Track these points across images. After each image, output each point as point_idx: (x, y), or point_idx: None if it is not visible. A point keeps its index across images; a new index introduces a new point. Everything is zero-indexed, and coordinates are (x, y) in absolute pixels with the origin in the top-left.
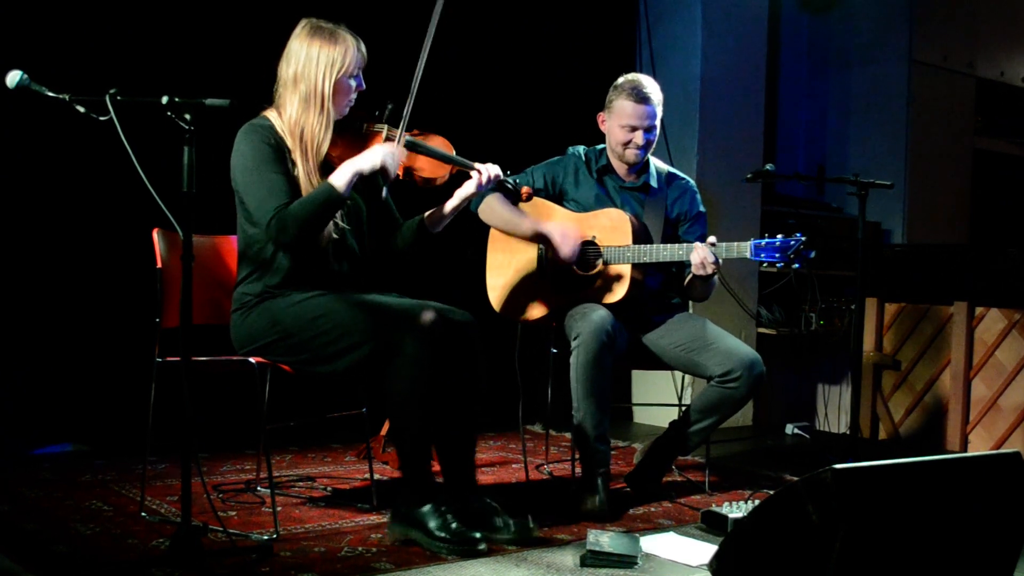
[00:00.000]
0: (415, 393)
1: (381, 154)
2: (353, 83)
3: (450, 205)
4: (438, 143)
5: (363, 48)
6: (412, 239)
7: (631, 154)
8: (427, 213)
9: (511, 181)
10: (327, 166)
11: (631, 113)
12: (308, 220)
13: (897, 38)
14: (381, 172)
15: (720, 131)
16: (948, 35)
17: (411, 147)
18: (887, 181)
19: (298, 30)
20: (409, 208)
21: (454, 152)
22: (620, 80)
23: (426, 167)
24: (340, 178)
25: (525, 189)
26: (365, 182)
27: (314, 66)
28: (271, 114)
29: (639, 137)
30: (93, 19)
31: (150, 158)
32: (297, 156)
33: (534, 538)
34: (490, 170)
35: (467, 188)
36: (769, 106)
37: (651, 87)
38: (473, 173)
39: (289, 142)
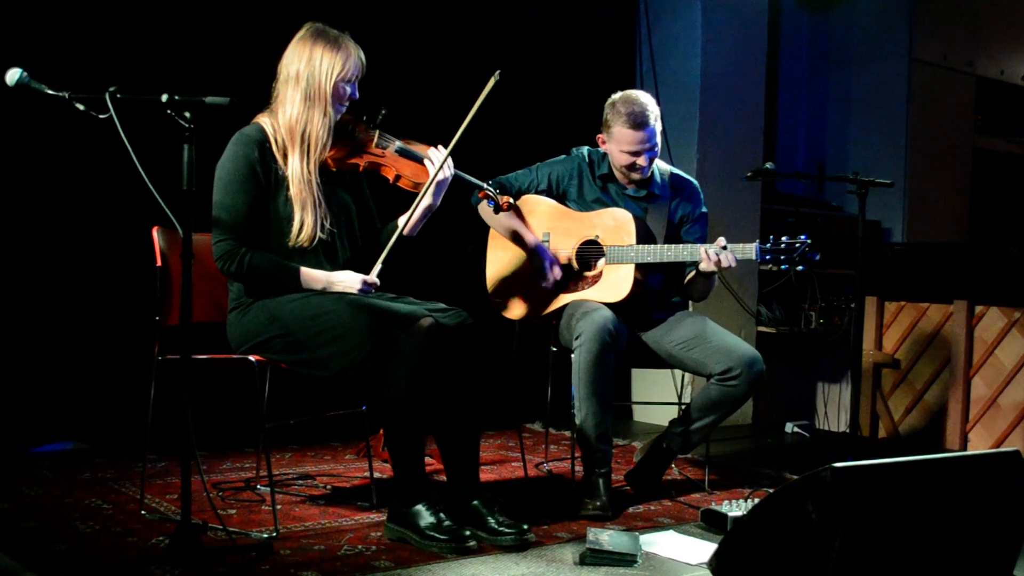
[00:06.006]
0: (410, 392)
1: (357, 285)
2: (348, 89)
3: (419, 211)
4: (420, 149)
5: (363, 58)
6: (391, 244)
7: (636, 175)
8: (402, 223)
9: (492, 191)
10: (320, 166)
11: (631, 140)
12: (258, 278)
13: (897, 37)
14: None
15: (720, 130)
16: (948, 33)
17: (402, 153)
18: (887, 180)
19: (302, 32)
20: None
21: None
22: (616, 99)
23: (414, 173)
24: (309, 279)
25: (504, 200)
26: (351, 184)
27: (316, 67)
28: (264, 119)
29: (642, 160)
30: (93, 17)
31: (150, 156)
32: (294, 154)
33: (529, 543)
34: (444, 169)
35: (425, 200)
36: (769, 105)
37: (649, 107)
38: (426, 162)
39: (286, 141)
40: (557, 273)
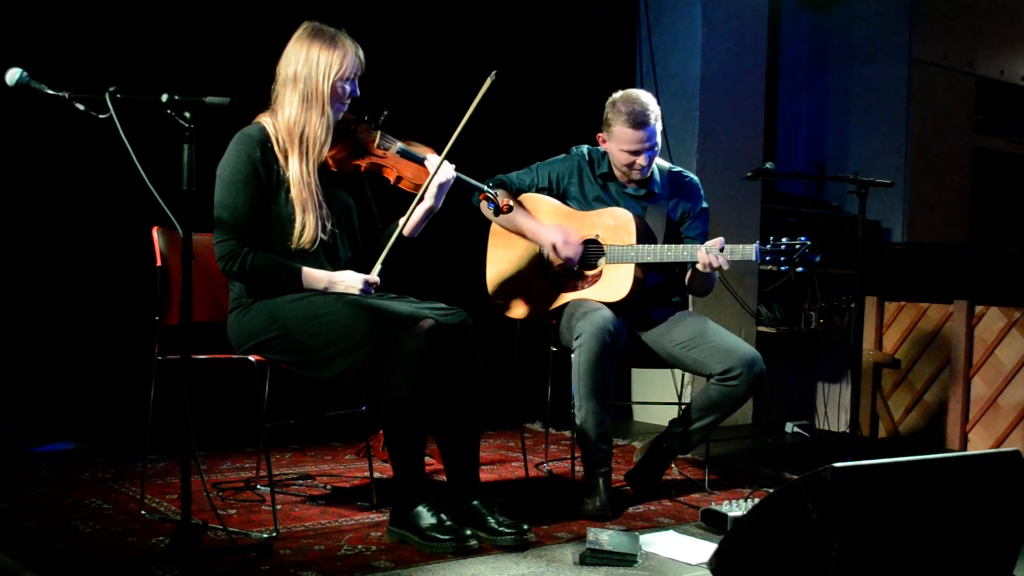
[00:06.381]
0: (410, 393)
1: (358, 285)
2: (348, 87)
3: (419, 212)
4: (422, 151)
5: (361, 55)
6: (391, 244)
7: (636, 174)
8: (403, 223)
9: (492, 193)
10: (322, 166)
11: (631, 139)
12: (259, 278)
13: (897, 36)
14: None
15: (720, 129)
16: (948, 33)
17: (403, 154)
18: (887, 179)
19: (299, 32)
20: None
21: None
22: (616, 98)
23: (415, 174)
24: (311, 279)
25: (504, 202)
26: (353, 184)
27: (314, 67)
28: (265, 119)
29: (642, 159)
30: (93, 16)
31: (150, 156)
32: (294, 155)
33: (529, 543)
34: (446, 172)
35: (426, 202)
36: (769, 104)
37: (649, 106)
38: (427, 164)
39: (286, 143)
40: (576, 241)
